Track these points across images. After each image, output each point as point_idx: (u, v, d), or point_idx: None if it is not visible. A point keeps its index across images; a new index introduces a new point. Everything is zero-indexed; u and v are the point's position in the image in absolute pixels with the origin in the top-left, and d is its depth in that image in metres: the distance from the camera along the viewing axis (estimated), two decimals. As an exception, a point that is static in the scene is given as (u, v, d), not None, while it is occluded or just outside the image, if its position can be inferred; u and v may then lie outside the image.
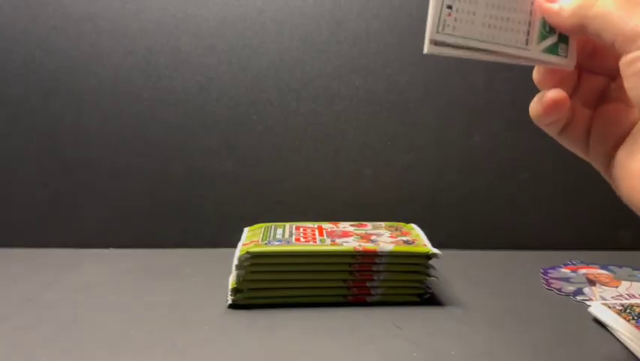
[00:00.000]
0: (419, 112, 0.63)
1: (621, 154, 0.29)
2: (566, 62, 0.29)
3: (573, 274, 0.51)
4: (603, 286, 0.47)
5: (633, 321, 0.35)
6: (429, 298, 0.44)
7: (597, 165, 0.31)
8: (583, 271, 0.52)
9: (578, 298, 0.45)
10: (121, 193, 0.62)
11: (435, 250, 0.43)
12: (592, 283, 0.48)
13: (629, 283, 0.48)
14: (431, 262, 0.44)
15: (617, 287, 0.47)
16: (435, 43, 0.27)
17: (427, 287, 0.44)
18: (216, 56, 0.62)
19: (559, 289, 0.47)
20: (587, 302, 0.43)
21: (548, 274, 0.51)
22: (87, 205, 0.63)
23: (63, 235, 0.62)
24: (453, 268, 0.50)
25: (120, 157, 0.62)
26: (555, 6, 0.29)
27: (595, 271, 0.52)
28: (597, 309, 0.39)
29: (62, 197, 0.63)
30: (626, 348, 0.34)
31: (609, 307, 0.38)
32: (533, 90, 0.32)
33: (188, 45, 0.62)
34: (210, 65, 0.62)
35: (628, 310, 0.37)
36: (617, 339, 0.35)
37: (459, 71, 0.64)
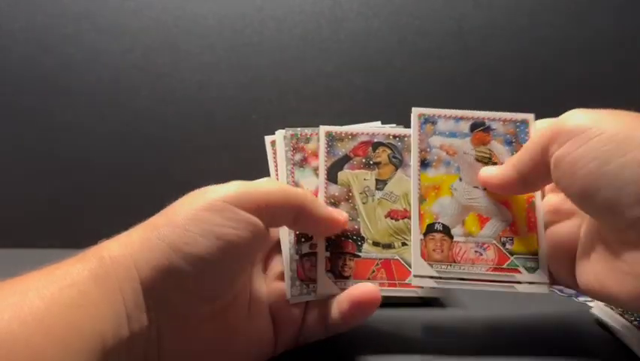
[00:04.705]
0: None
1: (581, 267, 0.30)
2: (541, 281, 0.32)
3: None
4: (605, 287, 0.47)
5: (635, 322, 0.35)
6: (430, 300, 0.43)
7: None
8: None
9: (580, 299, 0.45)
10: (120, 192, 0.62)
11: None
12: (594, 283, 0.48)
13: (631, 283, 0.47)
14: None
15: (619, 288, 0.46)
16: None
17: (428, 288, 0.43)
18: (215, 54, 0.62)
19: (561, 290, 0.47)
20: (589, 303, 0.43)
21: (550, 275, 0.51)
22: (87, 205, 0.63)
23: (63, 235, 0.62)
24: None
25: (119, 156, 0.62)
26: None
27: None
28: (599, 310, 0.38)
29: (62, 197, 0.63)
30: (628, 349, 0.33)
31: (611, 309, 0.37)
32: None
33: (188, 43, 0.62)
34: (210, 63, 0.62)
35: (630, 312, 0.37)
36: (620, 340, 0.35)
37: (460, 72, 0.64)
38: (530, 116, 0.34)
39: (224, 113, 0.62)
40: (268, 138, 0.36)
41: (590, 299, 0.44)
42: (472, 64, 0.64)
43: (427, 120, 0.34)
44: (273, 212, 0.29)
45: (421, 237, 0.32)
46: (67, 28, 0.61)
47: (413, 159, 0.33)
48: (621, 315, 0.36)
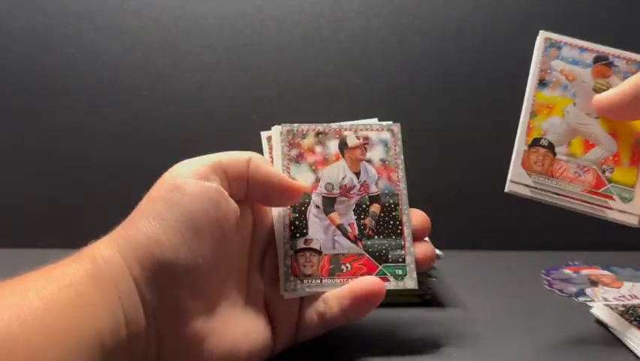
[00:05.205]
0: (420, 111, 0.63)
1: None
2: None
3: (575, 275, 0.51)
4: (605, 287, 0.47)
5: (635, 322, 0.35)
6: (430, 300, 0.43)
7: None
8: (585, 271, 0.52)
9: (580, 299, 0.45)
10: (120, 192, 0.62)
11: (436, 251, 0.43)
12: (594, 284, 0.48)
13: (631, 284, 0.47)
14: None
15: (619, 288, 0.46)
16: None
17: (428, 288, 0.43)
18: (215, 54, 0.62)
19: (561, 290, 0.47)
20: (589, 303, 0.43)
21: (550, 275, 0.51)
22: (87, 205, 0.63)
23: (63, 235, 0.62)
24: (453, 268, 0.50)
25: (119, 156, 0.62)
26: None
27: (597, 272, 0.51)
28: (599, 310, 0.38)
29: (62, 197, 0.63)
30: (628, 350, 0.33)
31: (611, 309, 0.37)
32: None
33: (188, 43, 0.62)
34: (209, 63, 0.62)
35: (630, 311, 0.37)
36: (620, 340, 0.35)
37: (460, 72, 0.64)
38: None
39: (224, 113, 0.62)
40: (264, 134, 0.36)
41: (590, 299, 0.44)
42: (472, 64, 0.64)
43: (552, 45, 0.35)
44: (227, 174, 0.29)
45: (525, 147, 0.33)
46: (67, 28, 0.61)
47: (531, 76, 0.35)
48: (621, 315, 0.36)
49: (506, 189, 0.33)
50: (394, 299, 0.43)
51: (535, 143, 0.33)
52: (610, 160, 0.33)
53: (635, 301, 0.42)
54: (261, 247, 0.33)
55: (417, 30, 0.63)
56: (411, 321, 0.39)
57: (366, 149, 0.36)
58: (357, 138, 0.36)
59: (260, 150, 0.36)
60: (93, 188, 0.63)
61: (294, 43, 0.62)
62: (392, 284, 0.33)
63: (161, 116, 0.62)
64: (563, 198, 0.33)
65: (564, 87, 0.34)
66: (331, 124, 0.37)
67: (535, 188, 0.33)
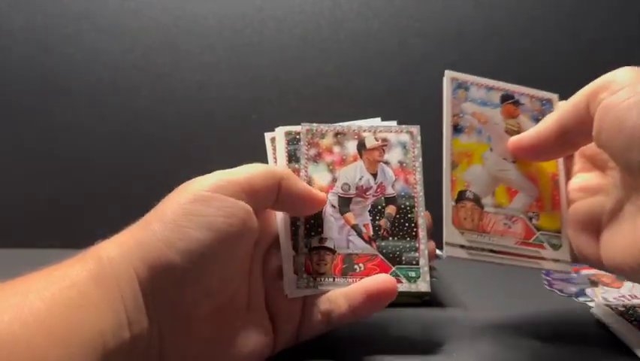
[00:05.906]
0: (419, 112, 0.63)
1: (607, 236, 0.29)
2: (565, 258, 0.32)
3: (575, 275, 0.51)
4: (605, 287, 0.47)
5: (635, 322, 0.35)
6: (429, 300, 0.43)
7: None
8: (585, 271, 0.52)
9: (581, 299, 0.45)
10: (120, 192, 0.62)
11: (436, 251, 0.43)
12: (594, 284, 0.48)
13: (631, 284, 0.47)
14: (432, 263, 0.43)
15: (619, 288, 0.46)
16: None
17: (428, 288, 0.43)
18: (215, 54, 0.62)
19: (561, 290, 0.47)
20: (589, 303, 0.43)
21: (550, 275, 0.51)
22: (87, 205, 0.63)
23: (63, 235, 0.62)
24: (453, 268, 0.50)
25: (119, 156, 0.62)
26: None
27: (597, 272, 0.51)
28: (599, 310, 0.38)
29: (62, 197, 0.63)
30: (628, 349, 0.33)
31: (612, 309, 0.37)
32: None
33: (188, 43, 0.62)
34: (209, 63, 0.62)
35: (630, 312, 0.37)
36: (620, 340, 0.35)
37: (460, 71, 0.64)
38: (555, 96, 0.34)
39: (224, 113, 0.62)
40: (268, 135, 0.36)
41: (590, 299, 0.44)
42: (472, 65, 0.64)
43: (459, 86, 0.34)
44: (257, 193, 0.29)
45: (453, 203, 0.31)
46: (67, 28, 0.61)
47: (445, 123, 0.33)
48: (621, 315, 0.36)
49: (445, 255, 0.31)
50: (394, 299, 0.43)
51: (461, 197, 0.31)
52: (534, 206, 0.31)
53: (635, 301, 0.42)
54: (263, 247, 0.33)
55: (417, 31, 0.63)
56: (411, 321, 0.39)
57: (384, 150, 0.36)
58: (376, 139, 0.36)
59: (260, 150, 0.36)
60: (93, 188, 0.63)
61: (294, 43, 0.62)
62: (404, 286, 0.33)
63: (161, 116, 0.62)
64: (499, 255, 0.31)
65: (479, 132, 0.32)
66: (350, 124, 0.37)
67: (471, 248, 0.31)
